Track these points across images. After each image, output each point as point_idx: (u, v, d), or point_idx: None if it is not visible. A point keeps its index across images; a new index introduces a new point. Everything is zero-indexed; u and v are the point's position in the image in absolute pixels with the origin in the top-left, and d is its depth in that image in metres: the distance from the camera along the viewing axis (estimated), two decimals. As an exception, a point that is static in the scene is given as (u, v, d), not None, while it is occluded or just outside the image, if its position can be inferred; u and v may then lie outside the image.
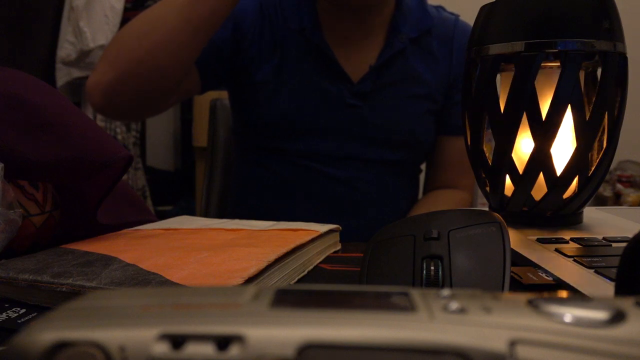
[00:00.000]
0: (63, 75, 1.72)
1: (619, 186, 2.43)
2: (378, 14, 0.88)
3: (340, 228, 0.52)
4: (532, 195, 0.47)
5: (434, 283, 0.30)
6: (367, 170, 0.88)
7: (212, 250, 0.40)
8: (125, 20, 1.76)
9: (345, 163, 0.88)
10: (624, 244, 0.24)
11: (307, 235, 0.45)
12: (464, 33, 0.92)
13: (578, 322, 0.14)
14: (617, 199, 2.43)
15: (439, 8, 0.96)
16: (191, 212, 2.31)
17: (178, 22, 0.73)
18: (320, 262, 0.47)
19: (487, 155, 0.50)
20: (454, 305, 0.15)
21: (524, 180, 0.46)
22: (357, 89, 0.86)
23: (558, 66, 0.44)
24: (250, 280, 0.33)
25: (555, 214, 0.47)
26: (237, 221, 0.55)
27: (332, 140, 0.87)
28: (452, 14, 0.96)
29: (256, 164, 0.91)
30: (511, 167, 0.47)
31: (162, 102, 0.82)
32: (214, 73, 0.88)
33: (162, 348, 0.14)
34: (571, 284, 0.34)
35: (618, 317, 0.15)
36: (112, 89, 0.76)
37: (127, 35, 0.76)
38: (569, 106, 0.44)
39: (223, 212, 1.08)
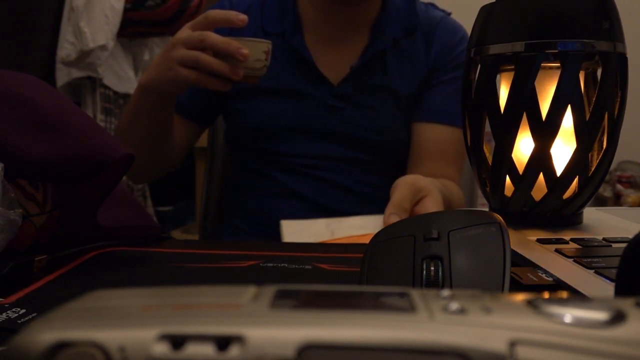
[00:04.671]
0: (63, 75, 1.71)
1: (619, 186, 2.42)
2: (363, 12, 0.87)
3: None
4: (532, 196, 0.47)
5: (434, 283, 0.30)
6: (355, 171, 0.89)
7: None
8: (125, 20, 1.76)
9: (332, 164, 0.88)
10: (624, 245, 0.24)
11: None
12: (447, 28, 0.91)
13: (578, 323, 0.14)
14: (617, 200, 2.43)
15: (429, 6, 0.94)
16: (191, 212, 2.30)
17: (139, 133, 0.80)
18: (320, 262, 0.47)
19: (487, 155, 0.50)
20: (454, 305, 0.15)
21: (524, 180, 0.46)
22: (337, 91, 0.86)
23: (558, 66, 0.44)
24: None
25: (555, 214, 0.47)
26: None
27: (317, 142, 0.87)
28: (443, 11, 0.94)
29: (246, 168, 0.92)
30: (511, 167, 0.46)
31: (174, 162, 0.92)
32: (208, 112, 0.93)
33: (162, 348, 0.14)
34: (571, 284, 0.34)
35: (618, 318, 0.15)
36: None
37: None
38: (569, 106, 0.44)
39: (222, 212, 1.08)
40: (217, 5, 0.92)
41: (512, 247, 0.35)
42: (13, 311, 0.33)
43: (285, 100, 0.87)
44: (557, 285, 0.35)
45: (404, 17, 0.89)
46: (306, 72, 0.87)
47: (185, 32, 0.69)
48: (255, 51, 0.68)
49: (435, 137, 0.89)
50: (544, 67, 0.45)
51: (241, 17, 0.68)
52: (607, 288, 0.33)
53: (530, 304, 0.16)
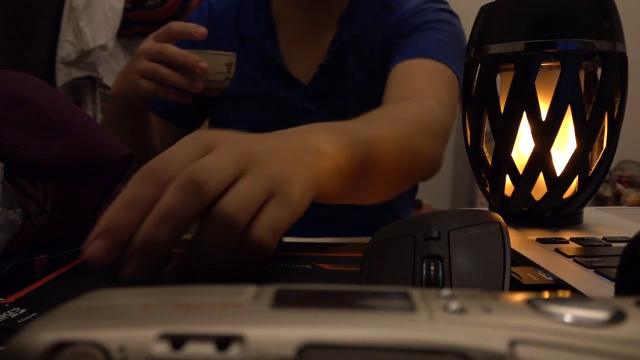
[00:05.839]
0: (63, 75, 1.72)
1: (619, 186, 2.43)
2: (331, 6, 0.85)
3: None
4: (532, 195, 0.47)
5: (434, 283, 0.30)
6: None
7: None
8: (125, 20, 1.76)
9: None
10: (624, 244, 0.24)
11: None
12: None
13: (578, 322, 0.14)
14: (617, 199, 2.43)
15: None
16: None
17: (118, 138, 0.79)
18: (320, 262, 0.47)
19: (487, 155, 0.50)
20: (454, 305, 0.15)
21: (524, 180, 0.46)
22: (310, 92, 0.84)
23: (558, 66, 0.44)
24: None
25: (555, 214, 0.47)
26: None
27: None
28: None
29: None
30: (511, 167, 0.46)
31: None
32: (188, 115, 0.91)
33: (162, 348, 0.14)
34: (571, 284, 0.34)
35: (618, 317, 0.15)
36: None
37: None
38: (569, 106, 0.44)
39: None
40: (198, 8, 0.92)
41: (512, 246, 0.35)
42: (13, 311, 0.33)
43: (260, 106, 0.85)
44: (557, 284, 0.35)
45: (372, 5, 0.85)
46: (277, 75, 0.85)
47: (148, 43, 0.69)
48: (215, 64, 0.68)
49: (405, 66, 0.76)
50: (544, 67, 0.45)
51: (200, 31, 0.68)
52: (607, 287, 0.33)
53: (530, 303, 0.16)
